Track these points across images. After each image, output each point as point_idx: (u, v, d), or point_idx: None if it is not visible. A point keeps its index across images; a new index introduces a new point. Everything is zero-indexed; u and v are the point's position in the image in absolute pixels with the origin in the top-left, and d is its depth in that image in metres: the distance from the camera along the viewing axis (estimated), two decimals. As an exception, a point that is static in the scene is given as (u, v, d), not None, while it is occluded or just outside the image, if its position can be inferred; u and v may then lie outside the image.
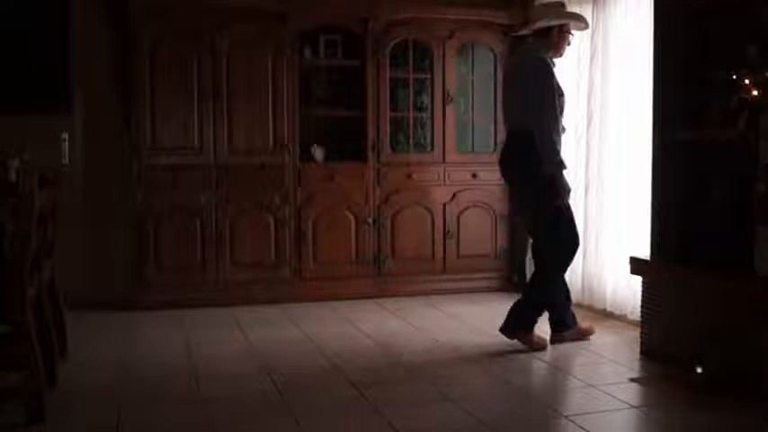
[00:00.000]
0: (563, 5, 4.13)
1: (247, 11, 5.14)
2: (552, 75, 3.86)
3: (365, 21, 5.32)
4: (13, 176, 3.61)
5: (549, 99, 3.80)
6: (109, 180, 5.19)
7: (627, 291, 4.46)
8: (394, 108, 5.53)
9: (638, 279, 3.98)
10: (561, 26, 3.96)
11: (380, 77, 5.41)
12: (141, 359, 3.87)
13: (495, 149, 5.70)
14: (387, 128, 5.45)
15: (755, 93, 3.30)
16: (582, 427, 2.86)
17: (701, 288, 3.51)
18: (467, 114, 5.70)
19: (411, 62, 5.55)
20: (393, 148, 5.51)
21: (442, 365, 3.75)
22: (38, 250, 3.14)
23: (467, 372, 3.65)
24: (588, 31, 4.86)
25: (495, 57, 5.69)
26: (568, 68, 5.14)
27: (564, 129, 3.98)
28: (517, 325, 3.99)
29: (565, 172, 3.91)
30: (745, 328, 3.25)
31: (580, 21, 4.06)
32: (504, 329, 4.01)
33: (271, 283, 5.23)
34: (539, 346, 3.97)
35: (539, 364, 3.83)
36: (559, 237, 3.94)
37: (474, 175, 5.66)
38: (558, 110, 3.86)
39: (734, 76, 3.40)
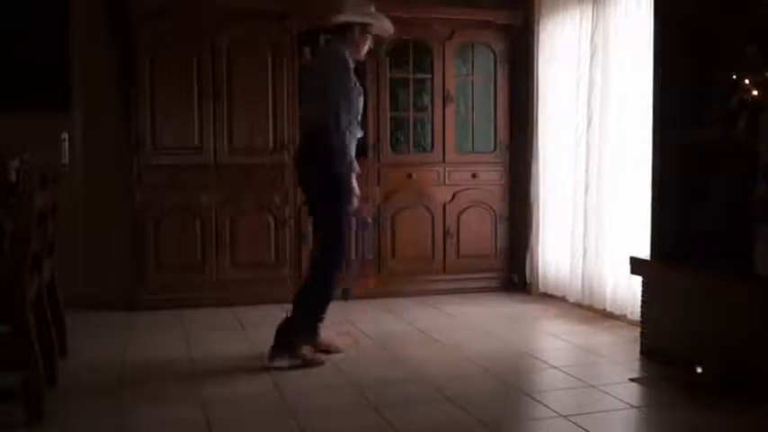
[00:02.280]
0: (370, 4, 3.88)
1: (247, 11, 5.15)
2: (350, 72, 3.69)
3: (365, 21, 5.32)
4: (13, 176, 3.61)
5: (345, 97, 3.64)
6: (109, 180, 5.19)
7: (627, 291, 4.46)
8: (394, 108, 5.53)
9: (638, 279, 3.98)
10: (364, 26, 3.80)
11: (380, 77, 5.41)
12: (141, 359, 3.87)
13: (495, 149, 5.72)
14: (387, 128, 5.46)
15: (755, 93, 3.30)
16: (582, 427, 2.86)
17: (701, 288, 3.51)
18: (467, 114, 5.71)
19: (411, 62, 5.55)
20: (393, 148, 5.51)
21: (442, 365, 3.75)
22: (38, 250, 3.14)
23: (467, 372, 3.65)
24: (588, 31, 4.88)
25: (495, 57, 5.69)
26: (568, 68, 5.15)
27: (360, 131, 3.81)
28: (282, 347, 3.70)
29: (354, 175, 3.71)
30: (745, 328, 3.25)
31: (384, 24, 3.88)
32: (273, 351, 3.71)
33: (271, 283, 5.23)
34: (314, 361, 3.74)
35: (538, 364, 3.83)
36: (341, 238, 3.77)
37: (474, 175, 5.66)
38: (355, 110, 3.71)
39: (734, 76, 3.40)
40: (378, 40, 4.12)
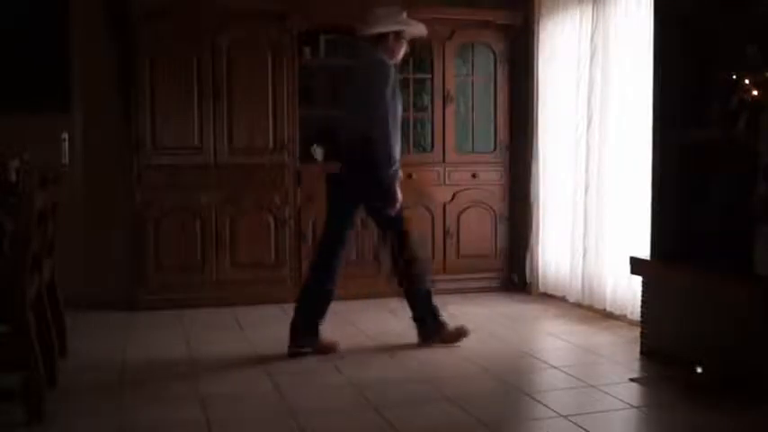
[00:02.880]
0: (401, 12, 4.03)
1: (247, 11, 5.15)
2: (392, 78, 3.84)
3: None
4: (13, 176, 3.61)
5: (388, 103, 3.78)
6: (109, 180, 5.19)
7: (627, 291, 4.46)
8: (394, 108, 5.53)
9: (638, 279, 3.98)
10: (397, 32, 3.96)
11: (380, 77, 5.40)
12: (141, 359, 3.88)
13: (495, 149, 5.72)
14: (387, 128, 5.45)
15: (755, 93, 3.30)
16: (582, 427, 2.86)
17: (701, 288, 3.51)
18: (467, 114, 5.71)
19: (411, 62, 5.54)
20: (393, 148, 5.51)
21: (442, 365, 3.75)
22: (38, 250, 3.14)
23: (467, 372, 3.65)
24: (588, 31, 4.88)
25: (495, 57, 5.69)
26: (568, 68, 5.15)
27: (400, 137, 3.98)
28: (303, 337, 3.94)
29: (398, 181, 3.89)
30: (745, 328, 3.25)
31: (417, 28, 4.06)
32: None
33: (271, 283, 5.23)
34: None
35: (538, 364, 3.83)
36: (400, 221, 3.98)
37: (474, 175, 5.66)
38: (396, 115, 3.86)
39: (734, 76, 3.40)
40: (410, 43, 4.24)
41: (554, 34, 5.34)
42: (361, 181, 3.86)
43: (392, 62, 3.96)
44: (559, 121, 5.30)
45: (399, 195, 3.89)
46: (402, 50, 4.04)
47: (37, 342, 2.91)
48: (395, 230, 4.01)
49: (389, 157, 3.79)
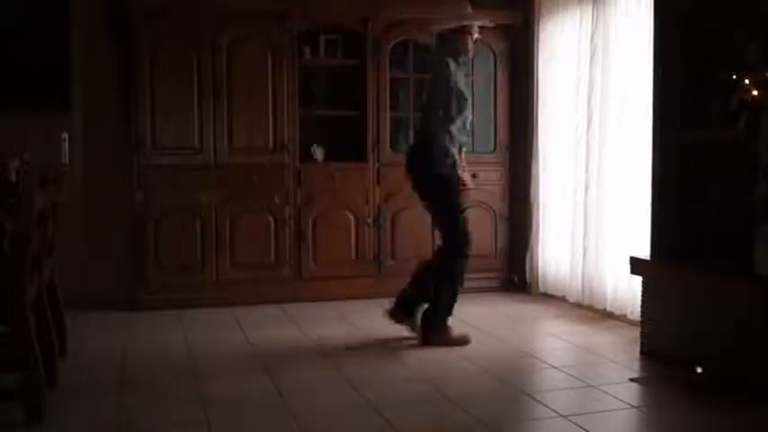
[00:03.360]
0: (465, 5, 4.11)
1: (247, 11, 5.15)
2: (449, 77, 3.93)
3: (365, 21, 5.32)
4: (13, 176, 3.61)
5: (443, 101, 3.91)
6: (109, 180, 5.19)
7: (627, 291, 4.46)
8: (394, 108, 5.53)
9: (638, 279, 3.98)
10: (462, 27, 4.03)
11: (380, 77, 5.41)
12: (141, 359, 3.88)
13: (495, 149, 5.71)
14: (387, 128, 5.45)
15: (755, 93, 3.30)
16: (582, 427, 2.86)
17: (701, 288, 3.52)
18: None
19: (411, 62, 5.54)
20: (393, 148, 5.51)
21: (442, 365, 3.75)
22: (38, 250, 3.14)
23: (467, 372, 3.65)
24: (588, 31, 4.88)
25: (495, 57, 5.69)
26: (568, 68, 5.15)
27: (466, 131, 4.12)
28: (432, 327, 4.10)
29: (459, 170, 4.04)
30: (745, 328, 3.25)
31: (480, 19, 4.13)
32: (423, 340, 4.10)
33: (271, 283, 5.23)
34: (462, 342, 4.08)
35: (538, 364, 3.83)
36: (456, 226, 4.06)
37: (474, 176, 5.61)
38: (456, 112, 3.95)
39: (734, 76, 3.41)
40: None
41: (554, 34, 5.34)
42: (426, 178, 4.03)
43: (461, 59, 4.06)
44: (559, 121, 5.30)
45: (467, 178, 4.07)
46: (470, 44, 4.10)
47: (37, 342, 2.91)
48: (452, 229, 4.06)
49: (446, 155, 3.93)
